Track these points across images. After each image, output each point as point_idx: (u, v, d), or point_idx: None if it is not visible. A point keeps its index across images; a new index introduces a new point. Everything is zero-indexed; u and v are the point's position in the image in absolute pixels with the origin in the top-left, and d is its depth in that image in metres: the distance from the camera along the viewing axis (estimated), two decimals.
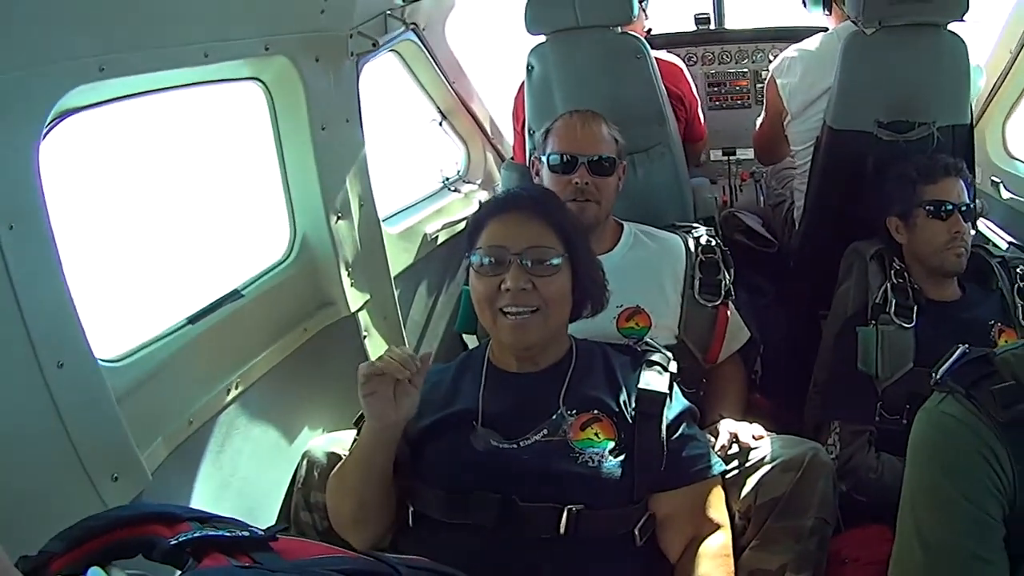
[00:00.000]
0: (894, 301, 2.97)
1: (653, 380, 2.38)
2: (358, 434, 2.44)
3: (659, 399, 2.33)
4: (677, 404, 2.38)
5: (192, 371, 2.57)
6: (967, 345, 1.95)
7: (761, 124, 4.21)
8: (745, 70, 5.31)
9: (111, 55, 2.11)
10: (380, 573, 1.30)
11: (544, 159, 3.11)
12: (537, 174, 3.21)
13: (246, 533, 1.39)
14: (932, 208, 3.03)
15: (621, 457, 2.23)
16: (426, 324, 4.06)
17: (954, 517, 1.78)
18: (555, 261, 2.31)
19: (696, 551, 2.20)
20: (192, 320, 2.62)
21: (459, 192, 4.54)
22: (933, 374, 1.94)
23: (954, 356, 1.92)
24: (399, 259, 3.73)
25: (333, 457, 2.59)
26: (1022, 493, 1.77)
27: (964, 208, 3.01)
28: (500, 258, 2.30)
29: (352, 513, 2.31)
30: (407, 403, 2.18)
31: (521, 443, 2.24)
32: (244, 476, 2.72)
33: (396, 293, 3.57)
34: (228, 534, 1.38)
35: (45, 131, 2.00)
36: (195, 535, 1.36)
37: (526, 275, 2.27)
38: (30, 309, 1.93)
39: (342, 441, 2.62)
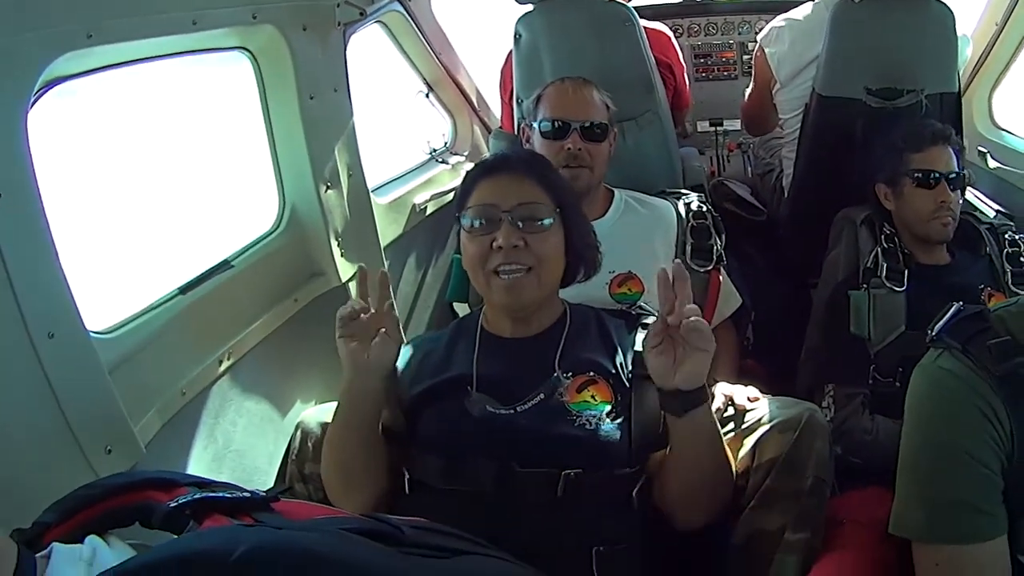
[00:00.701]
0: (885, 265, 2.99)
1: None
2: None
3: None
4: None
5: (184, 342, 2.55)
6: (961, 303, 1.96)
7: (750, 95, 4.21)
8: (731, 42, 5.33)
9: (99, 21, 2.07)
10: (383, 532, 1.29)
11: (536, 125, 3.10)
12: (527, 141, 3.20)
13: (247, 494, 1.39)
14: (919, 177, 3.04)
15: (619, 420, 2.23)
16: (416, 294, 4.06)
17: (954, 470, 1.80)
18: (546, 219, 2.31)
19: None
20: (183, 291, 2.60)
21: (447, 164, 4.53)
22: (929, 331, 1.95)
23: (949, 313, 1.94)
24: (388, 230, 3.72)
25: (327, 427, 2.56)
26: (1019, 446, 1.79)
27: (952, 176, 3.02)
28: (491, 217, 2.30)
29: (339, 480, 2.31)
30: (385, 352, 2.20)
31: (517, 408, 2.23)
32: (238, 448, 2.71)
33: (386, 263, 3.55)
34: (229, 496, 1.38)
35: (33, 99, 1.97)
36: (195, 497, 1.35)
37: (518, 233, 2.26)
38: (20, 279, 1.90)
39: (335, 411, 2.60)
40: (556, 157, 2.94)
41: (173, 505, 1.32)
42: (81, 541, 1.25)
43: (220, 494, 1.38)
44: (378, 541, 1.26)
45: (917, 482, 1.88)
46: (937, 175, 3.01)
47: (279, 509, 1.39)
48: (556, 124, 3.04)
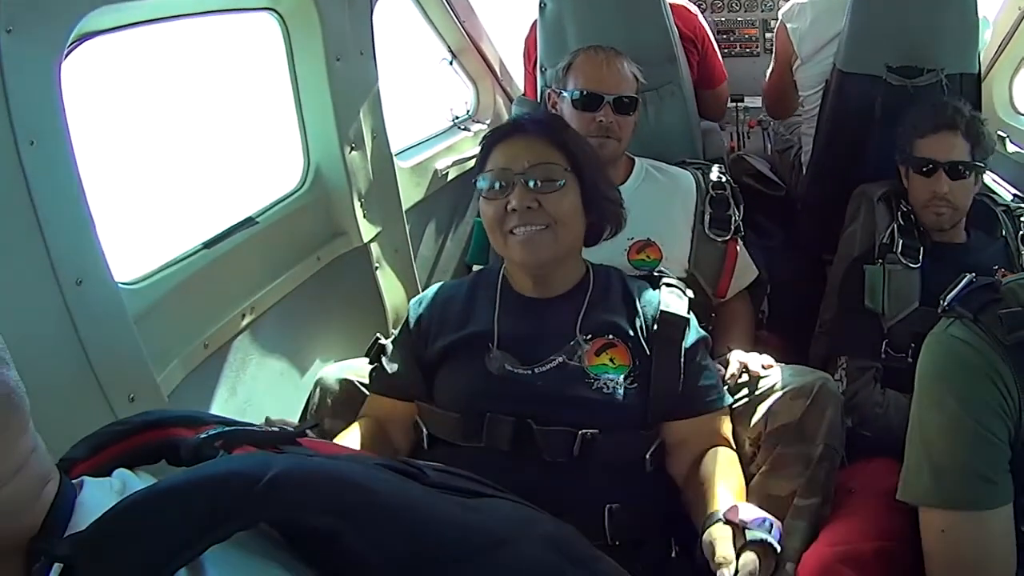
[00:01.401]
0: (901, 241, 3.00)
1: (673, 303, 2.40)
2: (371, 363, 2.49)
3: (681, 323, 2.36)
4: (694, 332, 2.40)
5: (207, 296, 2.60)
6: (974, 274, 1.98)
7: (771, 72, 4.22)
8: (754, 18, 5.32)
9: None
10: (407, 471, 1.33)
11: (567, 95, 3.10)
12: (554, 107, 3.20)
13: (276, 429, 1.42)
14: (916, 162, 3.04)
15: (635, 384, 2.26)
16: (436, 258, 4.11)
17: (962, 438, 1.82)
18: (560, 180, 2.31)
19: (704, 459, 2.23)
20: (207, 245, 2.65)
21: (468, 131, 4.56)
22: (941, 300, 1.97)
23: (961, 283, 1.95)
24: (410, 193, 3.76)
25: (346, 384, 2.59)
26: None
27: (952, 166, 2.98)
28: (505, 180, 2.30)
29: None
30: None
31: (536, 369, 2.26)
32: (259, 402, 2.76)
33: (407, 226, 3.60)
34: (258, 429, 1.41)
35: (67, 51, 2.01)
36: (225, 429, 1.38)
37: (531, 194, 2.27)
38: (50, 226, 1.95)
39: (355, 368, 2.62)
40: (587, 128, 2.96)
41: (203, 436, 1.35)
42: (109, 475, 1.28)
43: (247, 428, 1.41)
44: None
45: (925, 448, 1.89)
46: (934, 164, 2.99)
47: (306, 445, 1.42)
48: (588, 95, 3.04)
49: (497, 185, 2.32)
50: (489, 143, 2.42)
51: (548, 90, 3.29)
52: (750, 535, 1.88)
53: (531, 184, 2.28)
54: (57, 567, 1.02)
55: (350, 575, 1.13)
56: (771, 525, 1.91)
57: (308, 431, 1.53)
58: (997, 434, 1.81)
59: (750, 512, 1.93)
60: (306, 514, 1.11)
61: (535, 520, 1.42)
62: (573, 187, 2.34)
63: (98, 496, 1.17)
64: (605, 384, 2.24)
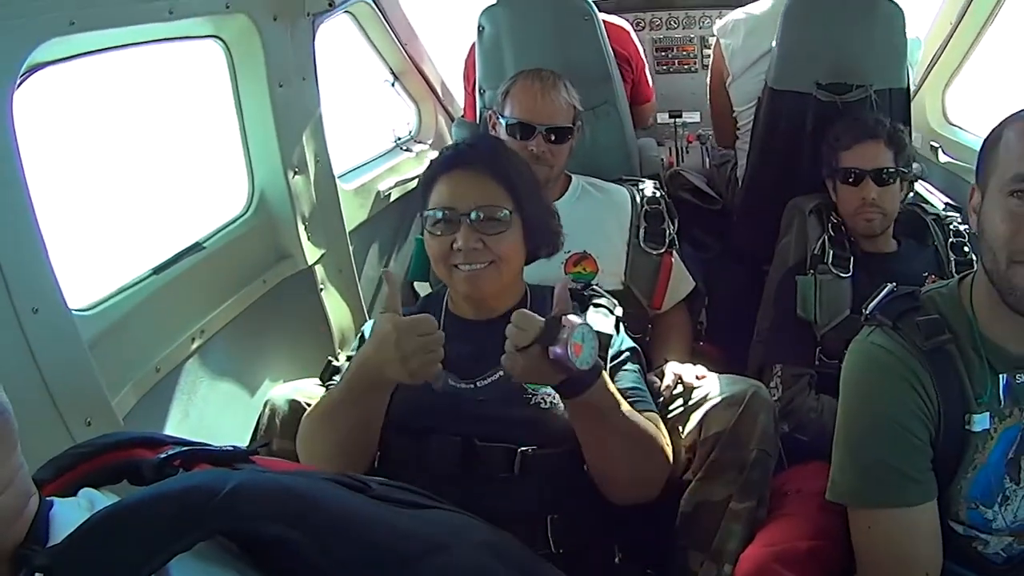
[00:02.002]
0: (832, 252, 3.09)
1: (599, 322, 2.46)
2: (324, 385, 2.53)
3: (604, 340, 2.40)
4: (619, 343, 2.46)
5: (158, 321, 2.64)
6: (894, 284, 2.09)
7: (709, 91, 4.29)
8: (692, 36, 5.40)
9: (81, 9, 2.16)
10: (352, 485, 1.40)
11: (503, 121, 3.16)
12: (493, 128, 3.27)
13: (230, 448, 1.49)
14: (842, 173, 3.13)
15: None
16: (380, 279, 4.13)
17: (884, 439, 1.93)
18: (504, 217, 2.35)
19: None
20: (156, 271, 2.69)
21: (411, 152, 4.61)
22: (863, 309, 2.09)
23: (882, 293, 2.07)
24: (354, 215, 3.81)
25: (295, 404, 2.60)
26: (946, 417, 1.93)
27: (878, 173, 3.07)
28: (450, 218, 2.34)
29: (326, 453, 2.29)
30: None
31: (478, 383, 2.28)
32: (210, 423, 2.80)
33: (351, 248, 3.65)
34: (214, 448, 1.48)
35: (19, 81, 2.05)
36: (183, 449, 1.44)
37: (476, 234, 2.31)
38: (5, 255, 1.99)
39: (303, 390, 2.64)
40: (520, 155, 3.01)
41: (163, 456, 1.42)
42: (74, 495, 1.33)
43: (206, 447, 1.48)
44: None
45: (850, 450, 2.00)
46: (861, 172, 3.09)
47: (259, 463, 1.49)
48: (521, 125, 3.11)
49: (443, 222, 2.35)
50: (433, 174, 2.46)
51: (488, 112, 3.35)
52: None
53: (476, 224, 2.32)
54: None
55: None
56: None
57: (259, 450, 1.59)
58: (918, 435, 1.92)
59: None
60: (261, 523, 1.18)
61: (473, 527, 1.49)
62: (516, 224, 2.39)
63: (69, 513, 1.24)
64: (542, 399, 2.30)
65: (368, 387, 2.16)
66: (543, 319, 1.99)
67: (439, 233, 2.36)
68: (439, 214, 2.36)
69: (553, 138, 3.10)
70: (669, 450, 2.31)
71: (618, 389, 2.30)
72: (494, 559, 1.39)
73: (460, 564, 1.33)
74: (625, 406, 2.20)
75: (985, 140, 1.94)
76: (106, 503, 1.28)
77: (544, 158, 3.07)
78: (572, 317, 1.99)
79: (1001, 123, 1.90)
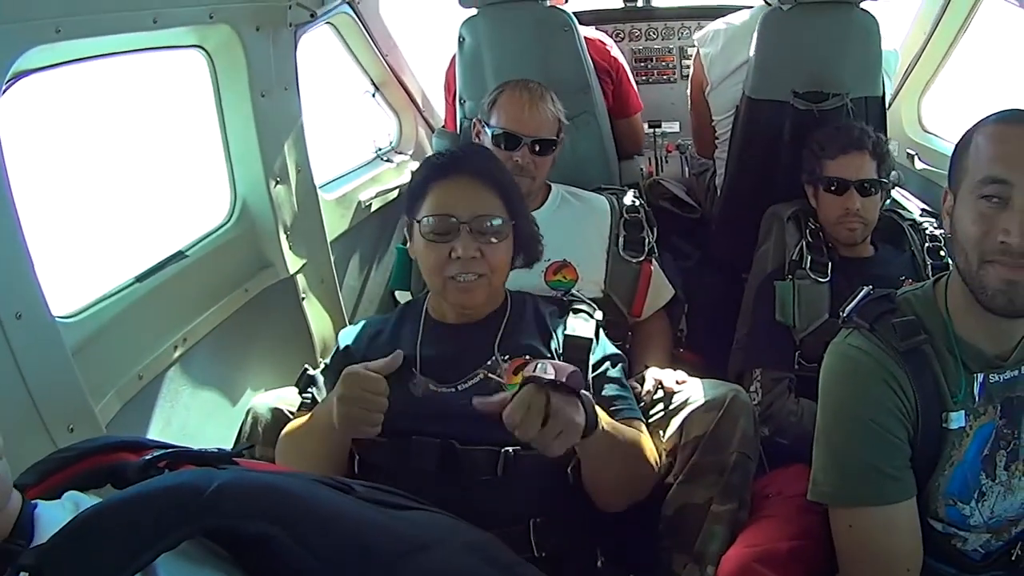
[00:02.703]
0: (810, 258, 3.13)
1: (579, 327, 2.49)
2: (300, 393, 2.53)
3: (584, 344, 2.45)
4: (601, 350, 2.49)
5: (141, 328, 2.65)
6: (871, 287, 2.14)
7: (689, 98, 4.31)
8: (671, 46, 5.42)
9: (67, 17, 2.17)
10: (337, 487, 1.41)
11: (488, 130, 3.19)
12: (478, 136, 3.29)
13: (215, 450, 1.50)
14: (825, 183, 3.18)
15: None
16: (362, 288, 4.17)
17: (863, 438, 1.97)
18: (500, 227, 2.39)
19: None
20: (140, 279, 2.69)
21: (391, 162, 4.62)
22: (841, 312, 2.13)
23: (859, 296, 2.12)
24: (335, 225, 3.82)
25: (277, 413, 2.62)
26: (923, 416, 1.97)
27: (862, 183, 3.12)
28: (449, 228, 2.36)
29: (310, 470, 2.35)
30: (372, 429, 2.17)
31: (458, 387, 2.33)
32: (193, 431, 2.80)
33: (332, 257, 3.66)
34: (198, 450, 1.48)
35: (4, 88, 2.06)
36: (168, 451, 1.45)
37: (474, 243, 2.33)
38: None
39: (285, 398, 2.66)
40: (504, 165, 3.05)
41: (149, 458, 1.42)
42: (58, 499, 1.33)
43: (189, 449, 1.49)
44: None
45: (830, 451, 2.04)
46: (845, 183, 3.13)
47: (244, 465, 1.50)
48: (507, 135, 3.14)
49: (441, 231, 2.37)
50: (425, 179, 2.47)
51: (474, 120, 3.36)
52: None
53: (474, 233, 2.35)
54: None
55: None
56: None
57: (243, 452, 1.60)
58: (896, 433, 1.96)
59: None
60: (247, 521, 1.19)
61: (458, 528, 1.51)
62: (508, 232, 2.43)
63: (54, 513, 1.23)
64: None
65: (327, 426, 2.20)
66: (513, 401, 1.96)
67: (437, 241, 2.38)
68: (437, 221, 2.38)
69: (538, 149, 3.14)
70: (654, 457, 2.36)
71: (604, 397, 2.36)
72: (479, 560, 1.40)
73: (445, 564, 1.34)
74: (621, 433, 2.24)
75: (957, 144, 1.98)
76: (92, 503, 1.28)
77: (528, 169, 3.11)
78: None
79: (972, 128, 1.95)
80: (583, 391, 2.04)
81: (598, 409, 2.12)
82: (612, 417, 2.29)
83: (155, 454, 1.43)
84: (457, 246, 2.33)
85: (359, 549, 1.25)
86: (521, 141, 3.12)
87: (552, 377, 1.96)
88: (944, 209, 2.02)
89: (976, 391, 2.00)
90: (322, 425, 2.25)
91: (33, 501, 1.27)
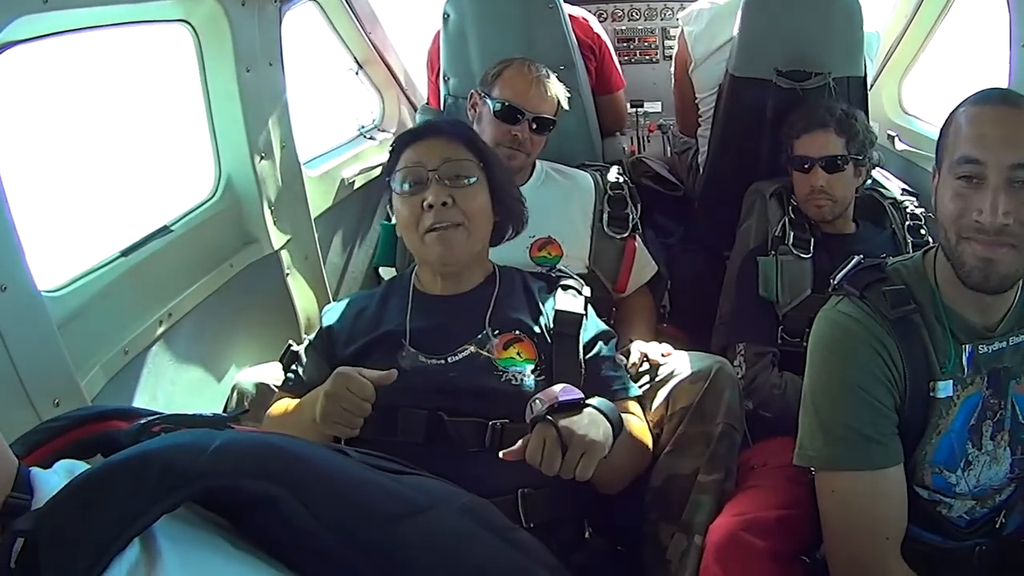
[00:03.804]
0: (792, 234, 3.17)
1: (568, 302, 2.50)
2: (284, 369, 2.54)
3: (575, 319, 2.46)
4: (593, 326, 2.51)
5: (126, 303, 2.64)
6: (862, 256, 2.17)
7: (673, 80, 4.33)
8: (653, 27, 5.43)
9: None
10: (335, 450, 1.41)
11: (490, 102, 3.18)
12: (473, 107, 3.29)
13: (210, 414, 1.49)
14: (795, 162, 3.22)
15: (542, 376, 2.35)
16: (345, 265, 4.16)
17: (850, 403, 2.00)
18: (472, 177, 2.41)
19: None
20: (125, 253, 2.69)
21: (374, 140, 4.61)
22: (831, 280, 2.16)
23: (850, 264, 2.15)
24: (319, 201, 3.81)
25: (262, 387, 2.65)
26: (911, 384, 2.00)
27: (828, 161, 3.15)
28: (419, 177, 2.37)
29: None
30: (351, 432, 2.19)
31: (448, 359, 2.34)
32: (179, 406, 2.77)
33: (316, 234, 3.66)
34: (193, 415, 1.48)
35: None
36: (163, 415, 1.44)
37: (446, 190, 2.34)
38: None
39: (270, 372, 2.68)
40: (501, 137, 3.08)
41: (143, 422, 1.41)
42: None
43: (184, 415, 1.48)
44: None
45: (817, 415, 2.06)
46: (810, 160, 3.17)
47: (239, 430, 1.49)
48: (510, 108, 3.13)
49: (411, 182, 2.39)
50: (400, 144, 2.49)
51: (472, 91, 3.34)
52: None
53: (445, 180, 2.36)
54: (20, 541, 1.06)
55: (289, 542, 1.21)
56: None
57: (239, 417, 1.59)
58: (883, 400, 1.99)
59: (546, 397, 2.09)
60: (249, 480, 1.18)
61: (453, 493, 1.51)
62: (483, 185, 2.44)
63: (49, 477, 1.21)
64: (513, 376, 2.33)
65: (311, 418, 2.21)
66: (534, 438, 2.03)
67: (408, 194, 2.40)
68: (407, 174, 2.40)
69: (536, 127, 3.14)
70: (650, 437, 2.40)
71: (601, 378, 2.41)
72: (476, 523, 1.41)
73: (442, 526, 1.34)
74: (629, 426, 2.28)
75: (943, 124, 2.03)
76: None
77: (525, 145, 3.12)
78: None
79: (955, 108, 2.00)
80: (586, 400, 2.10)
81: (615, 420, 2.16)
82: (613, 397, 2.32)
83: (149, 419, 1.42)
84: (428, 194, 2.34)
85: (360, 510, 1.25)
86: (523, 116, 3.13)
87: (546, 407, 2.03)
88: (932, 186, 2.06)
89: (965, 361, 2.03)
90: (307, 416, 2.25)
91: (27, 467, 1.24)
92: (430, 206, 2.34)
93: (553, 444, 1.98)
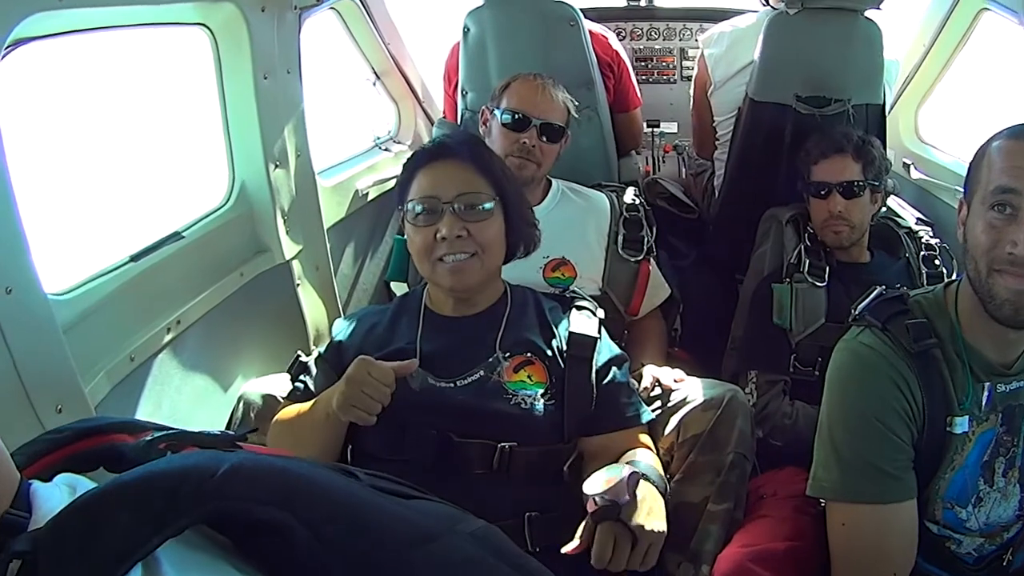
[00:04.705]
0: (808, 261, 3.14)
1: (583, 324, 2.49)
2: (292, 380, 2.51)
3: (589, 342, 2.44)
4: (607, 350, 2.49)
5: (134, 309, 2.61)
6: (884, 287, 2.15)
7: (692, 98, 4.31)
8: (672, 47, 5.43)
9: None
10: (344, 472, 1.38)
11: (497, 113, 3.18)
12: (484, 124, 3.29)
13: (218, 432, 1.45)
14: (812, 188, 3.20)
15: (552, 400, 2.34)
16: (356, 276, 4.13)
17: (868, 436, 1.98)
18: (487, 206, 2.38)
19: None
20: (134, 258, 2.66)
21: (390, 152, 4.59)
22: (852, 310, 2.15)
23: (872, 295, 2.14)
24: (332, 212, 3.78)
25: (268, 398, 2.64)
26: (929, 419, 1.99)
27: (845, 186, 3.13)
28: (433, 208, 2.35)
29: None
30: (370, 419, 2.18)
31: (457, 382, 2.32)
32: (183, 415, 2.76)
33: (328, 244, 3.63)
34: (200, 433, 1.44)
35: (2, 55, 2.01)
36: (169, 432, 1.40)
37: (460, 222, 2.33)
38: None
39: (277, 383, 2.66)
40: (510, 147, 3.07)
41: (150, 439, 1.37)
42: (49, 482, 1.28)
43: (191, 432, 1.44)
44: None
45: (833, 446, 2.04)
46: (828, 186, 3.15)
47: (247, 449, 1.45)
48: (517, 116, 3.13)
49: (425, 213, 2.37)
50: (413, 167, 2.47)
51: (482, 108, 3.34)
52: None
53: (460, 212, 2.34)
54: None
55: (297, 568, 1.17)
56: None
57: (247, 436, 1.56)
58: (900, 434, 1.97)
59: (597, 483, 2.06)
60: (258, 505, 1.14)
61: (463, 519, 1.47)
62: (498, 214, 2.42)
63: (50, 492, 1.18)
64: (523, 400, 2.31)
65: (325, 414, 2.21)
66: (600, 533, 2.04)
67: (422, 224, 2.37)
68: (420, 206, 2.38)
69: (545, 137, 3.13)
70: (660, 469, 2.35)
71: (613, 403, 2.41)
72: (485, 550, 1.37)
73: (453, 554, 1.31)
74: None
75: (973, 157, 2.01)
76: (89, 486, 1.22)
77: (534, 154, 3.10)
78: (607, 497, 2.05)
79: (986, 141, 1.98)
80: (639, 473, 2.11)
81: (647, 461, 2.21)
82: (621, 426, 2.38)
83: (156, 435, 1.39)
84: (442, 227, 2.32)
85: (369, 537, 1.22)
86: (531, 122, 3.12)
87: (620, 503, 2.02)
88: (959, 219, 2.04)
89: (983, 399, 2.02)
90: (320, 413, 2.24)
91: (28, 480, 1.21)
92: (443, 238, 2.32)
93: (624, 542, 2.00)
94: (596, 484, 2.06)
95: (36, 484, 1.20)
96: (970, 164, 2.02)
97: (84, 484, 1.25)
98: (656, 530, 2.03)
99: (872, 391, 2.00)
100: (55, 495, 1.17)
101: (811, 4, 3.45)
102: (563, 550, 2.03)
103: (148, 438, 1.38)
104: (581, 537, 2.04)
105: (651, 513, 2.06)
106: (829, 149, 3.16)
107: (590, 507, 2.06)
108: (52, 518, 1.07)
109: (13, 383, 2.06)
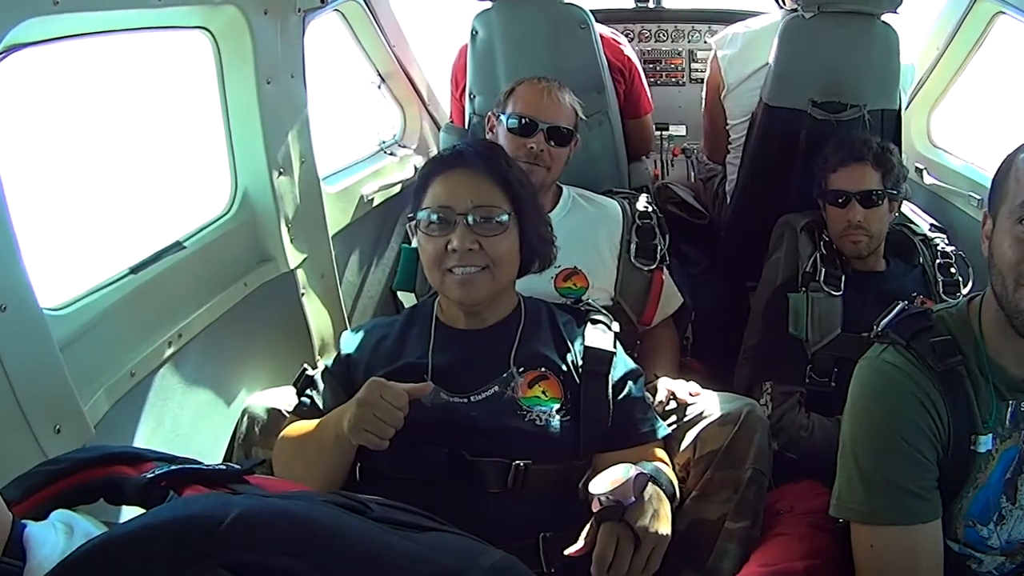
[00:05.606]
0: (823, 270, 3.10)
1: (599, 338, 2.44)
2: (298, 394, 2.45)
3: (606, 357, 2.39)
4: (622, 364, 2.44)
5: (134, 322, 2.55)
6: (906, 302, 2.12)
7: (704, 105, 4.29)
8: (680, 49, 5.40)
9: None
10: (352, 507, 1.31)
11: (503, 119, 3.14)
12: (491, 130, 3.25)
13: (223, 467, 1.39)
14: (830, 196, 3.16)
15: (567, 416, 2.29)
16: (362, 284, 4.08)
17: (893, 456, 1.95)
18: (502, 219, 2.33)
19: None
20: (134, 270, 2.59)
21: (395, 156, 4.53)
22: (875, 327, 2.10)
23: (895, 311, 2.10)
24: (337, 218, 3.72)
25: (273, 412, 2.58)
26: (955, 438, 1.95)
27: (864, 195, 3.09)
28: (447, 218, 2.31)
29: (308, 481, 2.27)
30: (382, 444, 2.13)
31: (471, 398, 2.27)
32: (186, 431, 2.71)
33: (333, 252, 3.57)
34: (206, 467, 1.37)
35: None
36: (172, 468, 1.34)
37: (472, 235, 2.28)
38: None
39: (282, 397, 2.60)
40: (517, 152, 3.00)
41: (150, 476, 1.31)
42: (45, 518, 1.21)
43: (196, 466, 1.37)
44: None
45: (857, 466, 2.00)
46: (847, 195, 3.10)
47: (254, 483, 1.39)
48: (523, 121, 3.08)
49: (438, 222, 2.32)
50: (429, 175, 2.42)
51: (488, 114, 3.31)
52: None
53: (473, 224, 2.29)
54: None
55: None
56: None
57: (254, 468, 1.49)
58: (925, 454, 1.94)
59: (603, 483, 2.03)
60: (268, 555, 1.08)
61: (481, 552, 1.41)
62: (513, 227, 2.36)
63: (47, 535, 1.13)
64: (538, 416, 2.27)
65: (334, 434, 2.15)
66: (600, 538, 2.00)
67: (434, 234, 2.32)
68: (434, 215, 2.33)
69: (553, 141, 3.08)
70: (677, 485, 2.31)
71: (629, 419, 2.37)
72: None
73: None
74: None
75: (997, 169, 1.97)
76: (87, 526, 1.17)
77: (542, 158, 3.06)
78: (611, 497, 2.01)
79: (1012, 153, 1.94)
80: (646, 474, 2.08)
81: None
82: (641, 440, 2.35)
83: (156, 472, 1.32)
84: (453, 238, 2.28)
85: None
86: (537, 127, 3.07)
87: (625, 504, 1.99)
88: (983, 233, 2.00)
89: (1007, 416, 1.99)
90: (329, 435, 2.19)
91: (22, 521, 1.15)
92: (454, 250, 2.27)
93: (627, 544, 1.97)
94: (602, 483, 2.03)
95: (30, 527, 1.14)
96: (994, 177, 1.98)
97: (81, 523, 1.20)
98: (660, 533, 2.00)
99: (897, 411, 1.97)
100: (50, 539, 1.12)
101: (827, 7, 3.41)
102: (566, 552, 2.01)
103: (149, 475, 1.30)
104: (585, 538, 2.00)
105: (656, 516, 2.03)
106: (848, 157, 3.12)
107: (595, 507, 2.02)
108: (54, 568, 1.00)
109: (9, 403, 2.00)
